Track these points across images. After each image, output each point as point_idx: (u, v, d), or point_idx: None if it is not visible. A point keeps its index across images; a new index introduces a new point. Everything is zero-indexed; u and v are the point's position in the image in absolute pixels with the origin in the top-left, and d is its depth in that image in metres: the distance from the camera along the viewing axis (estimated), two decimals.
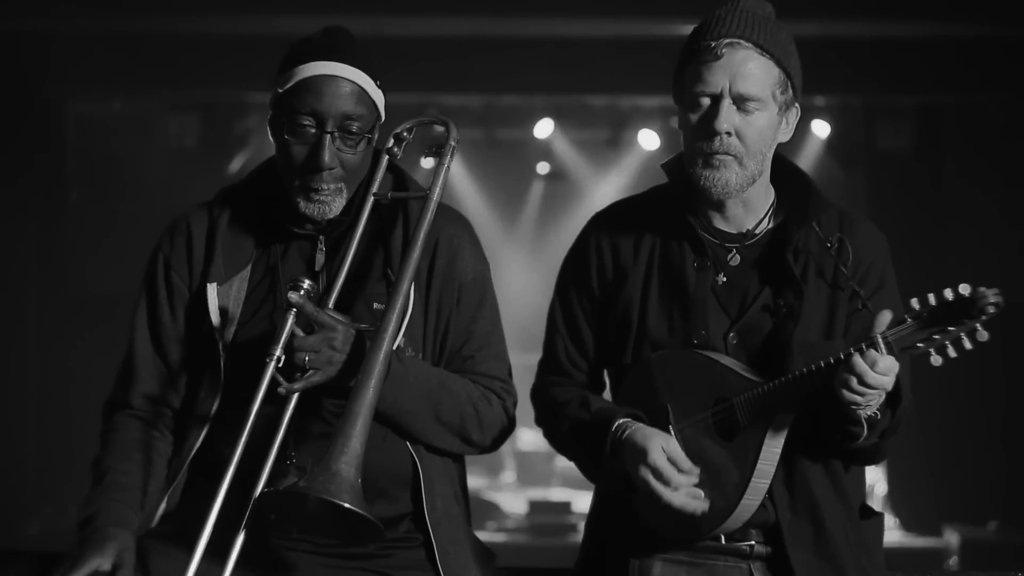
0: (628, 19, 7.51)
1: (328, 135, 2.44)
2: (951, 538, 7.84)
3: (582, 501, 8.70)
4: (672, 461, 2.40)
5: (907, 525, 8.63)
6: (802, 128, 8.89)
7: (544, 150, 10.13)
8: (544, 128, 9.42)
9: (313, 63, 2.47)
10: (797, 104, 2.56)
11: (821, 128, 9.08)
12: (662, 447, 2.40)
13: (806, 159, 9.25)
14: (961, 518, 7.98)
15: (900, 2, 7.40)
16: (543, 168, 10.41)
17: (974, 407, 8.38)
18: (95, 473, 2.51)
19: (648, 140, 9.11)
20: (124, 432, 2.55)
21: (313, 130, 2.46)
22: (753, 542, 2.49)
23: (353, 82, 2.47)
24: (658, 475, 2.39)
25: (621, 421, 2.47)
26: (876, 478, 8.87)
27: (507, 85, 8.55)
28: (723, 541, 2.50)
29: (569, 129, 9.83)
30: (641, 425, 2.45)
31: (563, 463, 10.70)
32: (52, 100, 8.84)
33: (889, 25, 7.69)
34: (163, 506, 2.51)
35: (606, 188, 9.62)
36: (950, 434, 8.42)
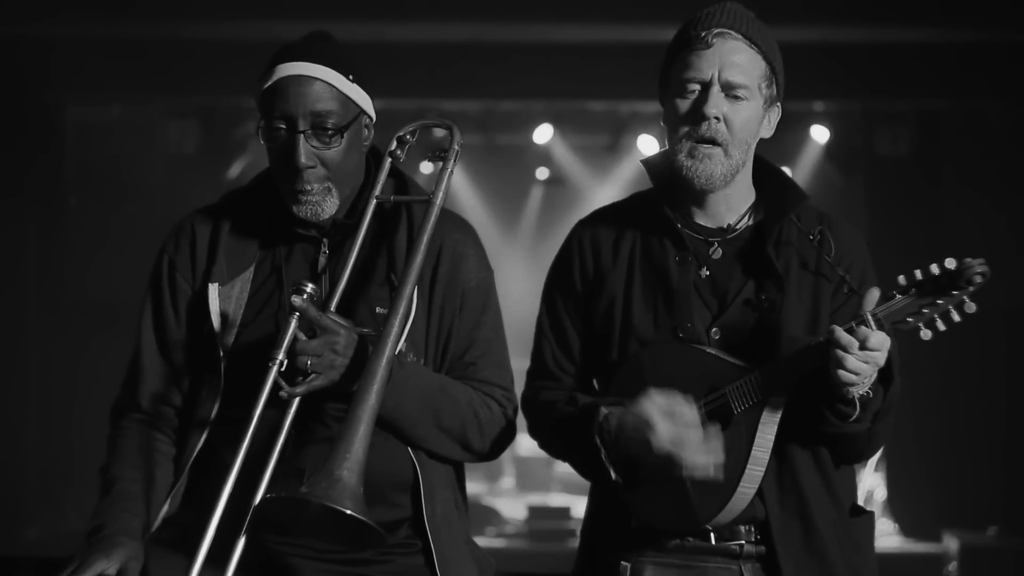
0: (627, 25, 7.51)
1: (301, 135, 2.44)
2: (951, 544, 7.83)
3: (581, 506, 8.60)
4: (670, 410, 2.38)
5: (907, 531, 8.62)
6: (801, 133, 9.06)
7: (543, 156, 10.15)
8: (543, 134, 9.43)
9: (279, 66, 2.48)
10: (779, 104, 2.60)
11: (820, 134, 9.09)
12: (655, 405, 2.38)
13: (805, 165, 9.26)
14: (961, 524, 7.98)
15: (899, 7, 7.40)
16: (542, 174, 10.43)
17: (974, 412, 8.38)
18: (103, 481, 2.51)
19: (647, 146, 9.13)
20: (131, 438, 2.55)
21: (286, 132, 2.46)
22: (743, 541, 2.49)
23: (319, 79, 2.46)
24: (672, 439, 2.36)
25: (606, 410, 2.46)
26: (875, 483, 8.87)
27: (506, 91, 8.55)
28: (713, 541, 2.50)
29: (568, 135, 9.84)
30: (624, 407, 2.44)
31: (562, 468, 10.71)
32: (52, 105, 8.84)
33: (888, 30, 7.69)
34: (165, 509, 2.50)
35: (605, 194, 9.61)
36: (949, 439, 8.43)
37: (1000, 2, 7.20)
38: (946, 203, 8.83)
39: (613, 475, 2.47)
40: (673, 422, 2.37)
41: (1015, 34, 7.61)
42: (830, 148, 9.21)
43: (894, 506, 8.78)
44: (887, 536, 8.49)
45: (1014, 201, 8.20)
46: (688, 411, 2.39)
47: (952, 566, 7.72)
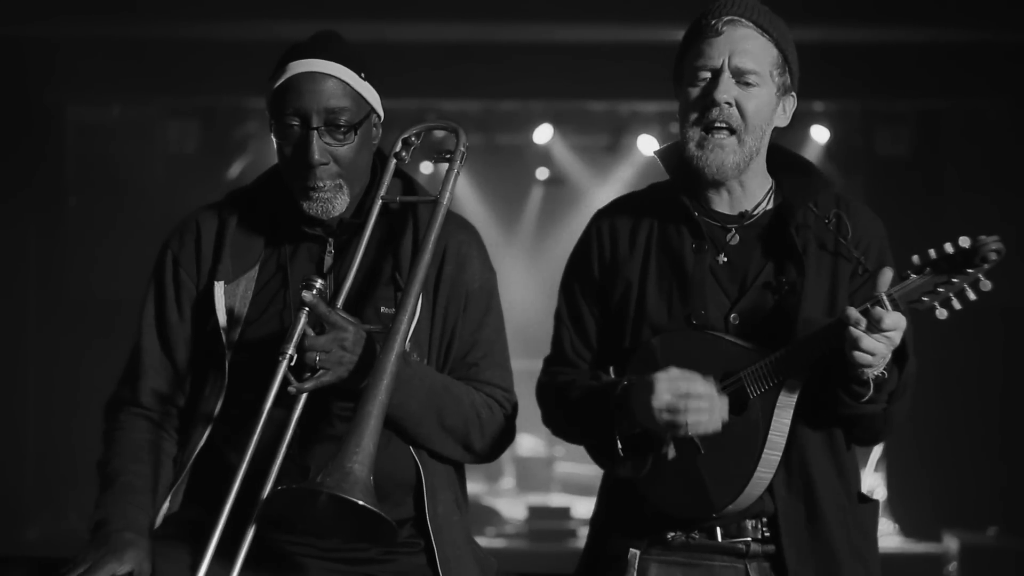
0: (627, 25, 7.52)
1: (314, 131, 2.45)
2: (951, 544, 7.82)
3: (581, 507, 8.68)
4: (679, 377, 2.37)
5: (907, 531, 8.63)
6: (801, 134, 9.05)
7: (543, 156, 10.15)
8: (543, 134, 9.43)
9: (292, 63, 2.49)
10: (794, 93, 2.62)
11: (820, 134, 9.08)
12: (666, 374, 2.38)
13: None
14: (961, 524, 7.98)
15: (899, 7, 7.40)
16: (542, 174, 10.43)
17: (973, 412, 8.39)
18: (104, 474, 2.50)
19: (647, 145, 9.12)
20: (132, 432, 2.54)
21: (300, 129, 2.47)
22: (749, 539, 2.49)
23: (333, 76, 2.47)
24: (671, 400, 2.36)
25: (623, 384, 2.47)
26: (876, 483, 8.87)
27: (506, 91, 8.55)
28: (720, 539, 2.50)
29: (568, 135, 9.84)
30: (636, 378, 2.45)
31: (562, 469, 10.72)
32: (52, 106, 8.84)
33: (888, 31, 7.70)
34: (166, 506, 2.50)
35: (605, 193, 9.59)
36: (949, 439, 8.42)
37: (1000, 2, 7.20)
38: (946, 204, 8.82)
39: (619, 446, 2.46)
40: (678, 386, 2.37)
41: (1015, 34, 7.61)
42: (830, 148, 9.20)
43: (894, 506, 8.78)
44: (887, 536, 8.48)
45: (1014, 201, 8.20)
46: (700, 380, 2.38)
47: (952, 566, 7.72)
